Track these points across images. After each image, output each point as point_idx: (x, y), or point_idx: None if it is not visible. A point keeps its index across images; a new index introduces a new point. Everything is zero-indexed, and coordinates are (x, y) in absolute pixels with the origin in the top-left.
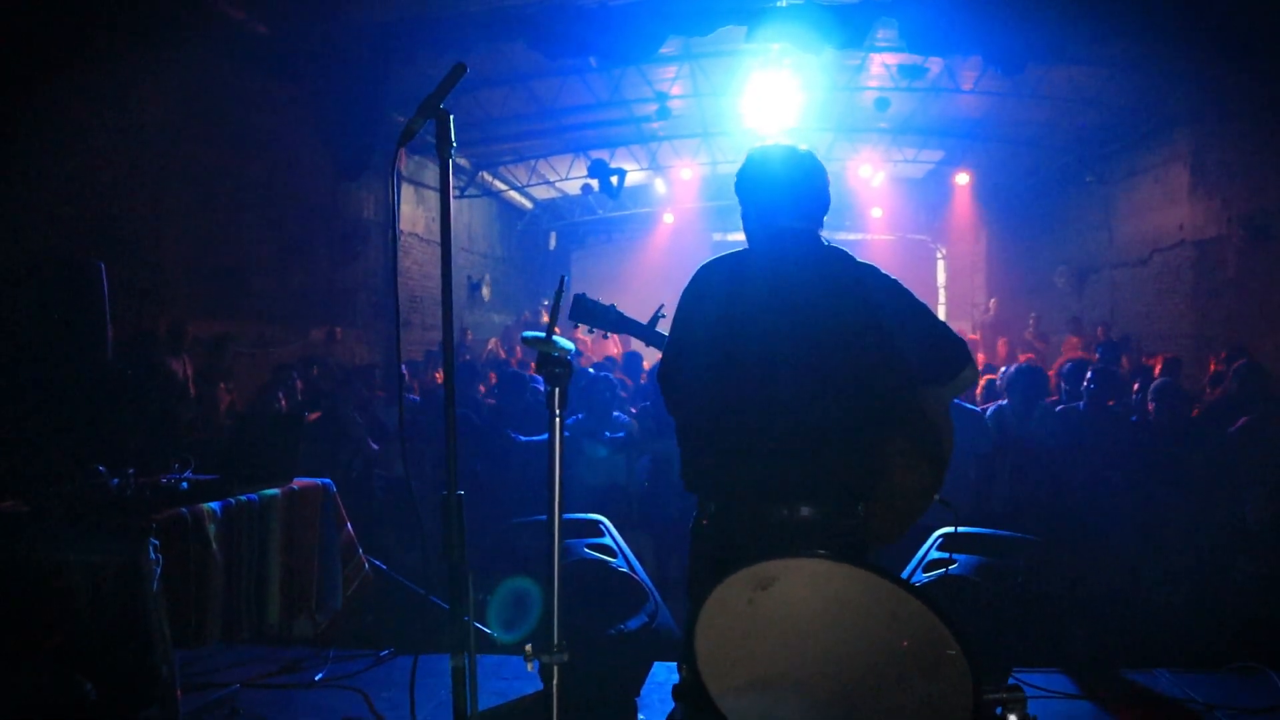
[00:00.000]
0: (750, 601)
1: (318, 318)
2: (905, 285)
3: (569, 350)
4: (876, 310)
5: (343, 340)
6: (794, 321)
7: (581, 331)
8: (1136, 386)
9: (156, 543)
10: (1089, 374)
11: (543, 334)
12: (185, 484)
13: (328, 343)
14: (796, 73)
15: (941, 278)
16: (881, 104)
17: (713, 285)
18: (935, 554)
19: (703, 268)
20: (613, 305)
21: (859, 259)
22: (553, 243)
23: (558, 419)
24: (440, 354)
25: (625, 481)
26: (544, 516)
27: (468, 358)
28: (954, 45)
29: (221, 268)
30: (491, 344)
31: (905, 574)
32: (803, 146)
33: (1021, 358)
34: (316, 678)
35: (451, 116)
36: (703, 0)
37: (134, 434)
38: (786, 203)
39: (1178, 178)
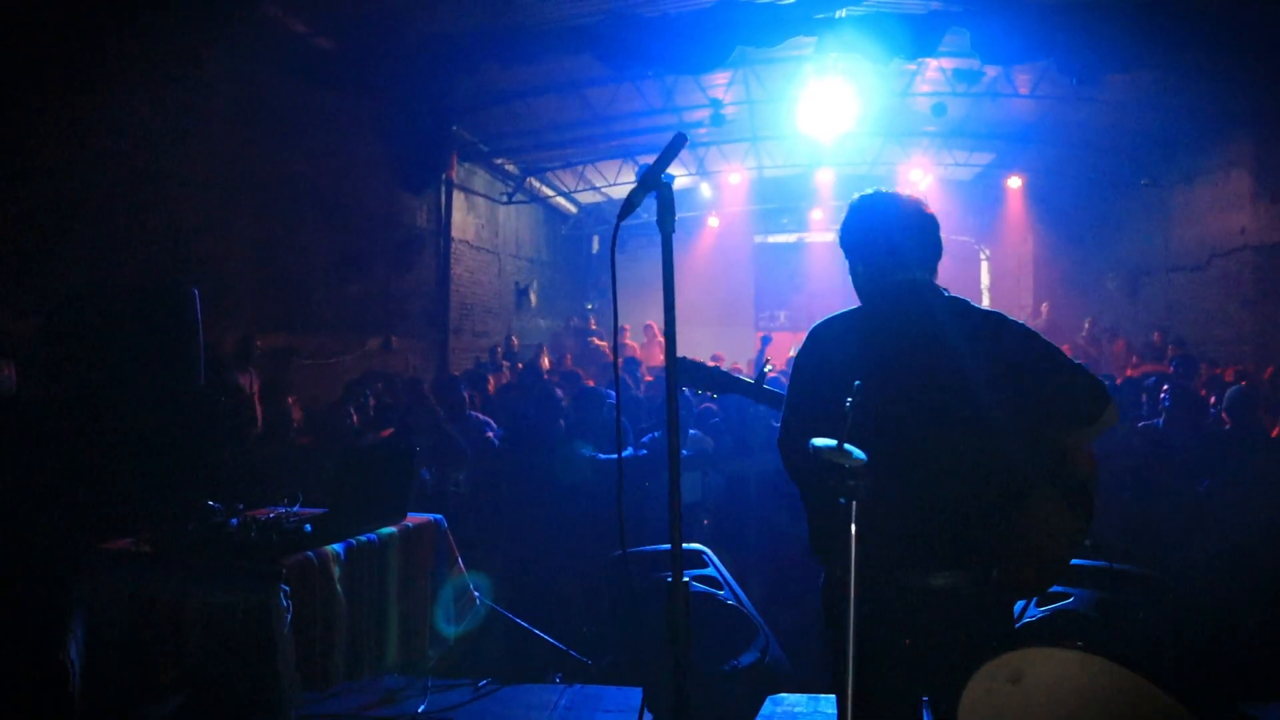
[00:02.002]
0: (1004, 695)
1: (374, 327)
2: (1035, 331)
3: (863, 461)
4: (1008, 360)
5: (398, 349)
6: (923, 380)
7: (629, 337)
8: (1214, 400)
9: (288, 589)
10: (1164, 391)
11: (834, 442)
12: (308, 525)
13: (383, 352)
14: (850, 78)
15: (986, 279)
16: (939, 110)
17: (833, 346)
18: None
19: (819, 327)
20: (716, 366)
21: (983, 307)
22: (595, 246)
23: (851, 548)
24: (491, 365)
25: (701, 499)
26: (649, 547)
27: (521, 365)
28: (1026, 54)
29: (285, 280)
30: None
31: (1017, 608)
32: (908, 193)
33: None
34: (419, 709)
35: (672, 187)
36: (772, 11)
37: (231, 463)
38: (901, 255)
39: (1239, 181)
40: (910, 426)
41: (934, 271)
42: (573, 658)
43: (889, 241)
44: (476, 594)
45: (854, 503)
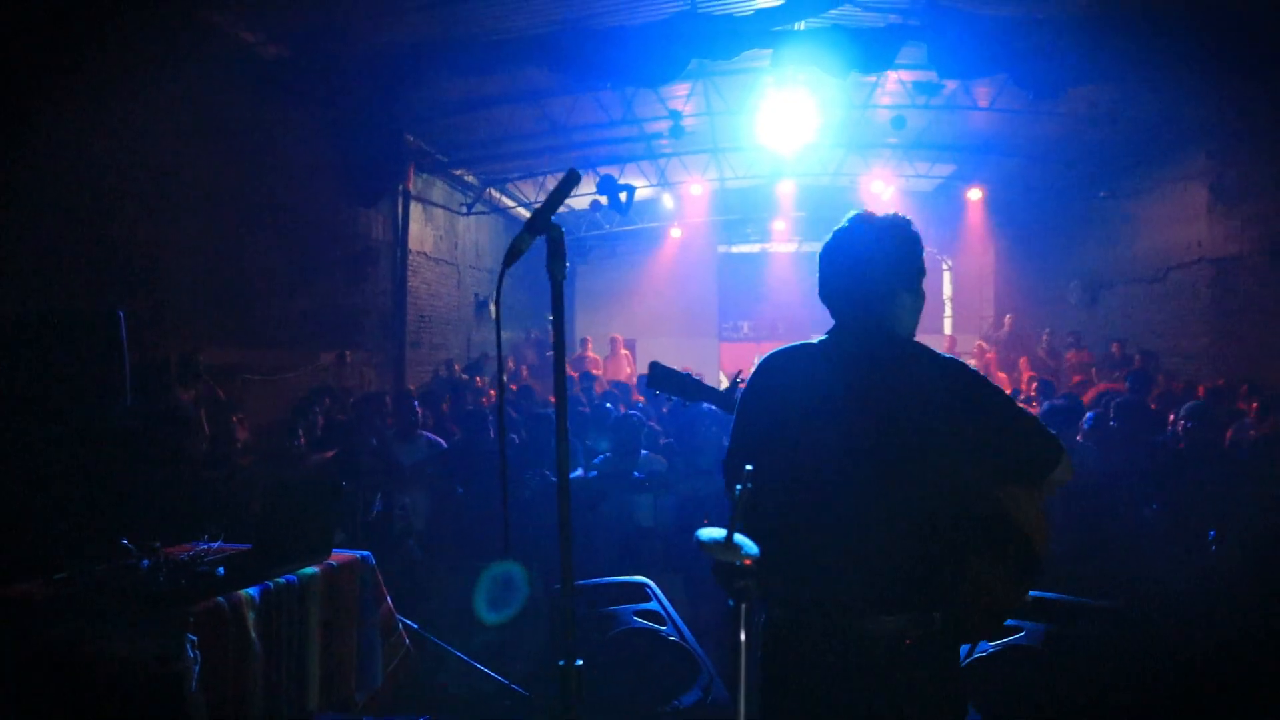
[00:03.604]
0: None
1: (328, 341)
2: (989, 380)
3: (754, 556)
4: (959, 410)
5: (352, 364)
6: (871, 420)
7: (592, 350)
8: (1172, 418)
9: (194, 638)
10: (1111, 409)
11: (720, 536)
12: (221, 568)
13: (337, 367)
14: (811, 90)
15: (948, 290)
16: (898, 122)
17: (782, 377)
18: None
19: (770, 357)
20: (688, 373)
21: (942, 354)
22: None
23: (741, 652)
24: (448, 379)
25: (654, 523)
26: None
27: (478, 380)
28: (983, 69)
29: (232, 294)
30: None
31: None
32: (886, 218)
33: (1025, 376)
34: None
35: (564, 232)
36: (728, 23)
37: (156, 496)
38: (855, 294)
39: (1195, 194)
40: (849, 464)
41: (899, 305)
42: (514, 691)
43: (835, 280)
44: (406, 633)
45: (744, 605)
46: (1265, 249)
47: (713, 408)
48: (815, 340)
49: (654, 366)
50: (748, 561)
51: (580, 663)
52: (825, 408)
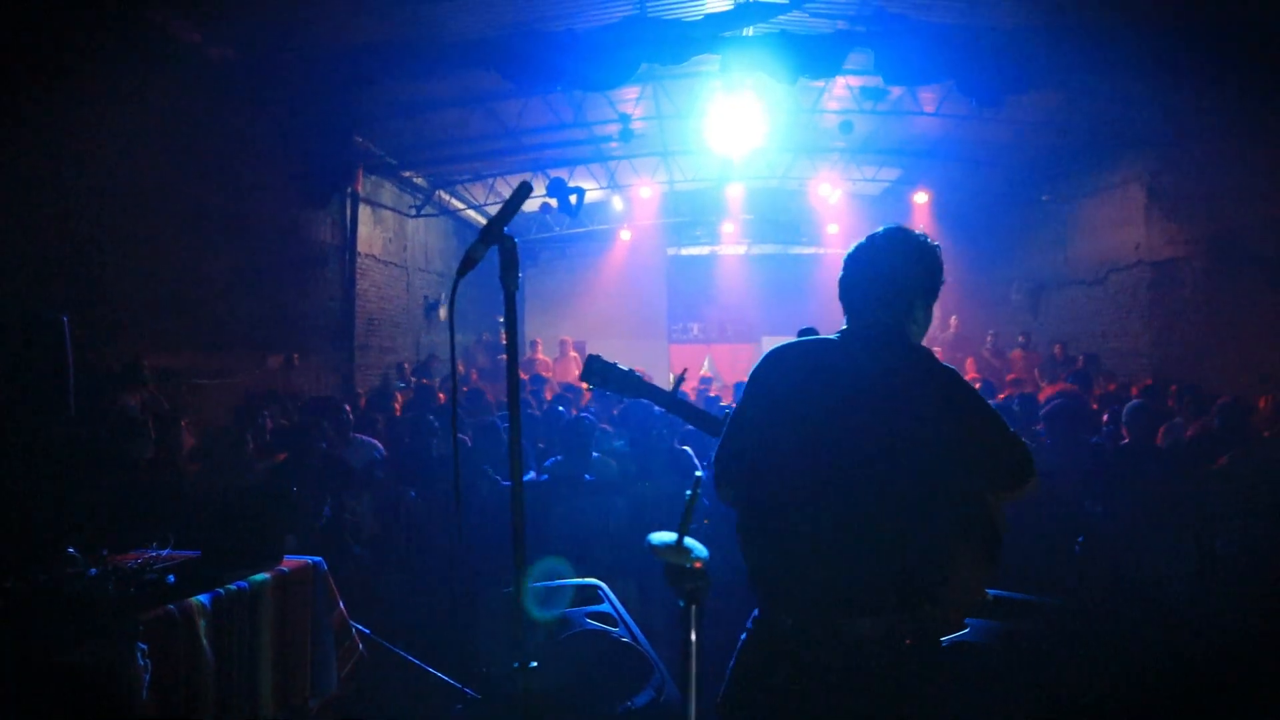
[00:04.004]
0: None
1: (275, 344)
2: (982, 396)
3: (704, 559)
4: (954, 416)
5: (300, 367)
6: (871, 420)
7: (541, 352)
8: (1106, 418)
9: (145, 647)
10: (1044, 412)
11: (671, 540)
12: (171, 575)
13: (285, 370)
14: (759, 95)
15: None
16: (846, 127)
17: (785, 374)
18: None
19: (774, 352)
20: (631, 369)
21: (942, 363)
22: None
23: (692, 653)
24: (399, 382)
25: (605, 525)
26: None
27: (425, 381)
28: (928, 75)
29: (176, 297)
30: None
31: None
32: (910, 230)
33: (969, 376)
34: None
35: (517, 242)
36: (678, 28)
37: (102, 503)
38: (878, 295)
39: (1134, 198)
40: (849, 462)
41: (914, 316)
42: (467, 695)
43: (860, 280)
44: (359, 638)
45: (694, 606)
46: (1201, 252)
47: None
48: (831, 336)
49: (591, 360)
50: (698, 564)
51: (534, 664)
52: (829, 404)
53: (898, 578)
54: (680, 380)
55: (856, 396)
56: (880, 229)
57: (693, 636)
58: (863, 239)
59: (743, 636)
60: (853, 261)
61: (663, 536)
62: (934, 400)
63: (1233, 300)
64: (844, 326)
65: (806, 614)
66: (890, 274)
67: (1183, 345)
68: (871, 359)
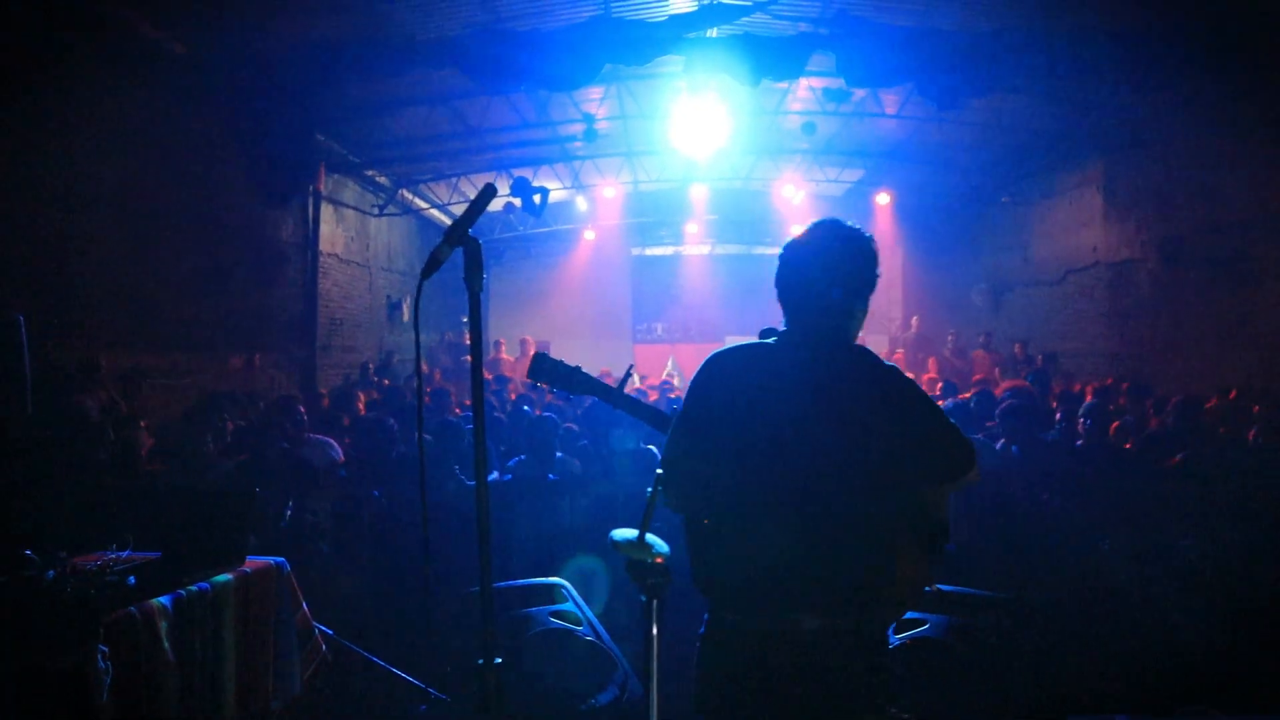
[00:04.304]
0: None
1: (236, 344)
2: (923, 390)
3: (665, 554)
4: (894, 413)
5: (261, 367)
6: (815, 423)
7: (505, 351)
8: (1059, 416)
9: (105, 649)
10: (999, 410)
11: (634, 534)
12: (132, 577)
13: (246, 370)
14: (723, 96)
15: None
16: (808, 128)
17: (729, 376)
18: (907, 613)
19: (716, 355)
20: (578, 367)
21: (883, 361)
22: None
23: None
24: (363, 383)
25: (569, 524)
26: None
27: (387, 382)
28: (889, 78)
29: (135, 296)
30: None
31: None
32: (848, 226)
33: (926, 378)
34: None
35: (481, 244)
36: (642, 29)
37: (60, 505)
38: (819, 295)
39: (1092, 201)
40: (794, 470)
41: (853, 314)
42: (431, 695)
43: (799, 281)
44: (323, 639)
45: (655, 601)
46: (1154, 254)
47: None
48: (769, 340)
49: (538, 357)
50: (659, 559)
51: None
52: (773, 406)
53: (844, 577)
54: (627, 376)
55: (799, 400)
56: (813, 225)
57: (654, 630)
58: (798, 237)
59: (701, 631)
60: (790, 261)
61: (625, 533)
62: (875, 399)
63: (1183, 301)
64: (783, 328)
65: (757, 615)
66: (831, 274)
67: (1138, 345)
68: (813, 361)
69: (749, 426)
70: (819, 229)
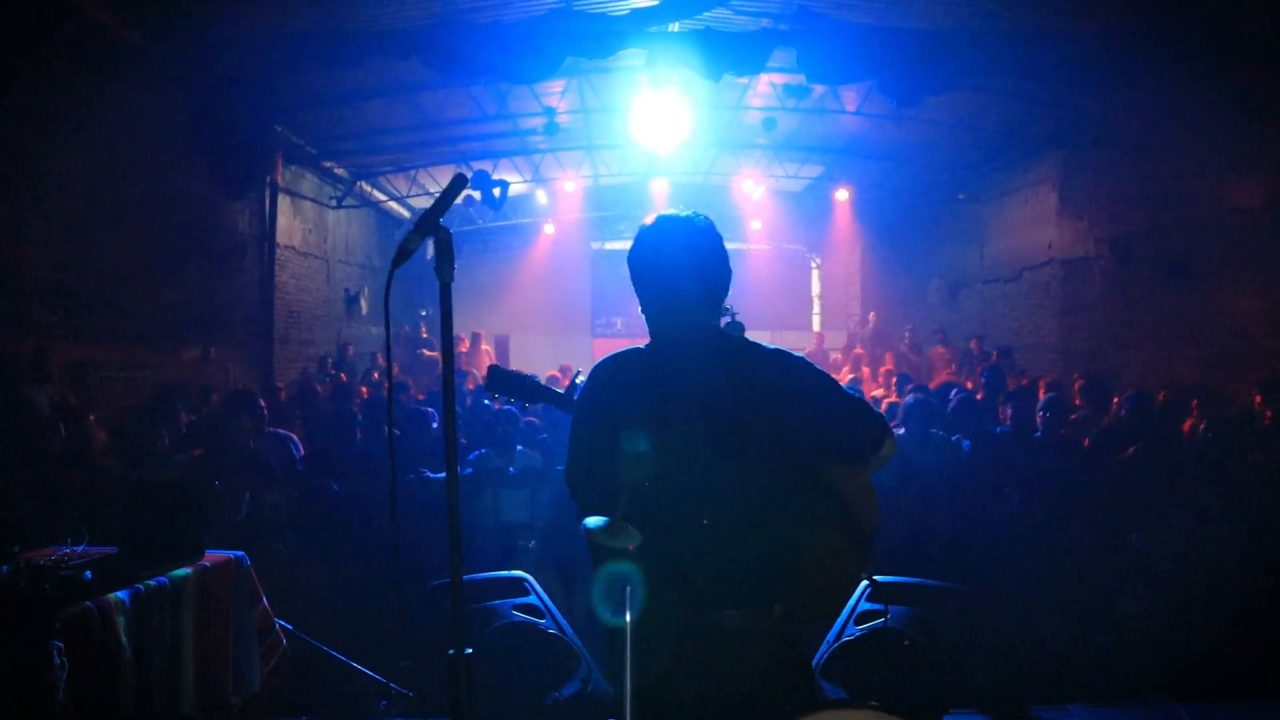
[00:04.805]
0: None
1: (191, 337)
2: (814, 364)
3: (639, 541)
4: (786, 396)
5: (216, 360)
6: (702, 418)
7: (485, 343)
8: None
9: (61, 645)
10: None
11: (604, 520)
12: (88, 572)
13: (201, 363)
14: (684, 91)
15: (816, 287)
16: (769, 124)
17: (612, 384)
18: (865, 604)
19: (599, 365)
20: (533, 375)
21: (766, 345)
22: (430, 252)
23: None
24: (320, 375)
25: (530, 517)
26: (471, 576)
27: (344, 376)
28: (850, 75)
29: (87, 288)
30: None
31: (836, 627)
32: (690, 218)
33: (882, 370)
34: None
35: (452, 234)
36: (604, 22)
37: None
38: (683, 292)
39: (1047, 199)
40: (695, 469)
41: (719, 308)
42: (393, 690)
43: (665, 281)
44: (283, 634)
45: (627, 589)
46: (1109, 251)
47: None
48: (643, 345)
49: (492, 371)
50: (630, 548)
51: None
52: (659, 409)
53: (757, 570)
54: (574, 381)
55: (694, 397)
56: (667, 215)
57: (627, 618)
58: (650, 223)
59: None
60: (652, 251)
61: (596, 520)
62: (769, 387)
63: (1134, 298)
64: (658, 329)
65: (676, 611)
66: (708, 268)
67: (1091, 340)
68: (702, 358)
69: (648, 433)
70: (647, 232)
